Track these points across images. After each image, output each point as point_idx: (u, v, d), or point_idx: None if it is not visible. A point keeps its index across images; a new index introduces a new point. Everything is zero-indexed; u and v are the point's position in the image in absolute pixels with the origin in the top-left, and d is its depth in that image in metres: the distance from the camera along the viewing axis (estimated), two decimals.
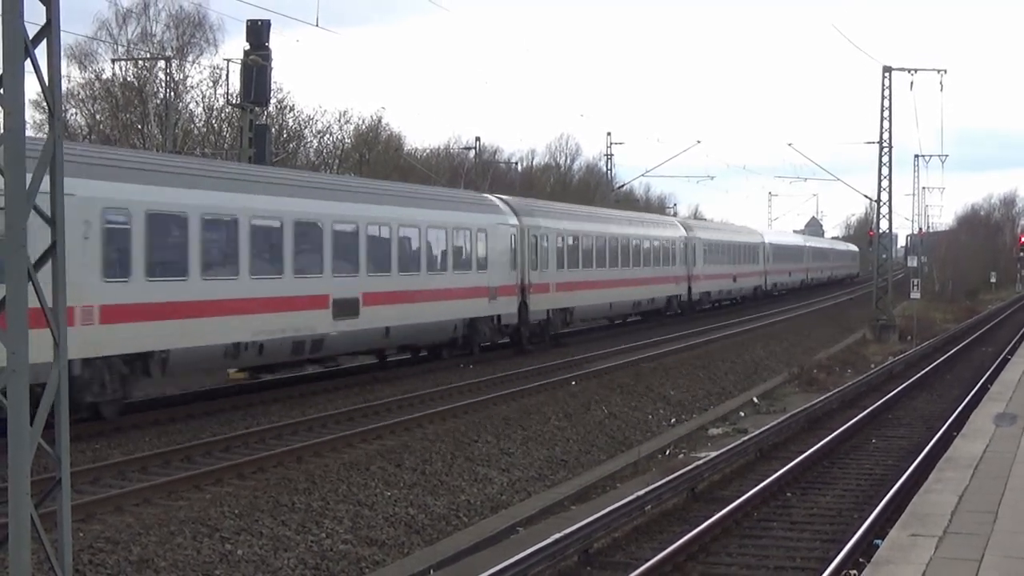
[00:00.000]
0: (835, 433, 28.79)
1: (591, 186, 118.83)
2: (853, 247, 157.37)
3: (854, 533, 18.59)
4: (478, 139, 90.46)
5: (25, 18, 9.38)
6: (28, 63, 9.39)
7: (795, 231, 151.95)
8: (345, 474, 22.10)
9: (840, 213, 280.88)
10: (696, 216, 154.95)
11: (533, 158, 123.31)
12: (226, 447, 24.26)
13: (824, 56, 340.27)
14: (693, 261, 67.76)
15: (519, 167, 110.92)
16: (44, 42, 9.61)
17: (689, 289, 66.81)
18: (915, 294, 65.73)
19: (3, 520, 10.44)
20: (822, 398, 35.47)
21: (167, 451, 23.24)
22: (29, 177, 9.26)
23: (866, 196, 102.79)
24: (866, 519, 19.47)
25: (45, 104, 9.75)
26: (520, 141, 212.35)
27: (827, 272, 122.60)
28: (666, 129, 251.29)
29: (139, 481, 20.87)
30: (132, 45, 67.16)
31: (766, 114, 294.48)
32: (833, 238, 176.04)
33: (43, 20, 9.69)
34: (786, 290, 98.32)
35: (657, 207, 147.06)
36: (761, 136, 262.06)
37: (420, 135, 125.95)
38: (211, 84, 67.79)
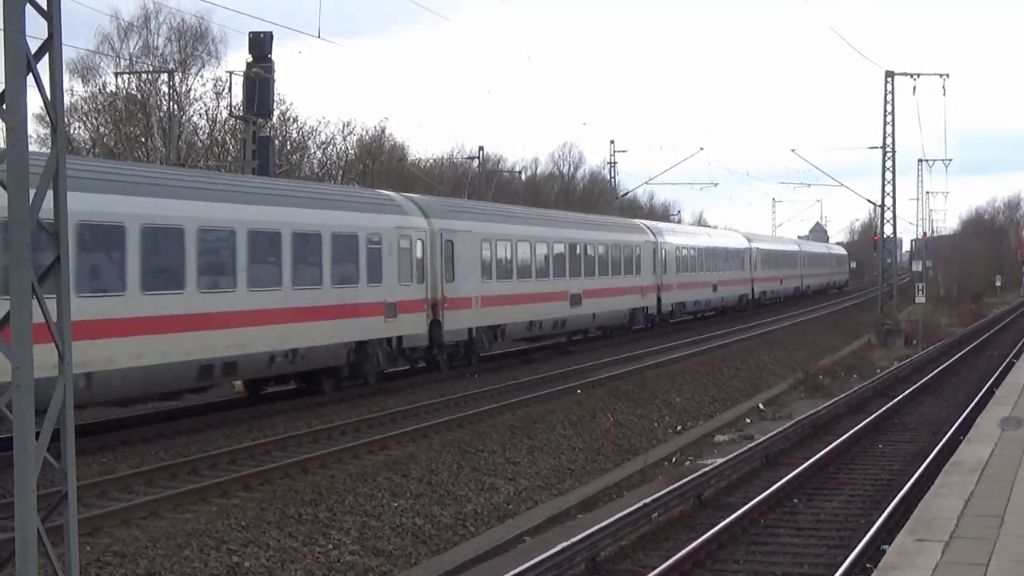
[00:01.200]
0: (841, 439, 28.78)
1: (595, 194, 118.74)
2: (839, 250, 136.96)
3: (861, 538, 18.59)
4: (481, 148, 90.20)
5: (27, 32, 9.40)
6: (30, 77, 9.41)
7: (799, 236, 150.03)
8: (351, 485, 22.11)
9: (844, 218, 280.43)
10: (701, 222, 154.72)
11: (537, 167, 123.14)
12: (232, 459, 24.26)
13: (826, 61, 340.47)
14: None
15: (523, 176, 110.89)
16: (46, 56, 9.62)
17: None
18: (920, 298, 65.77)
19: (10, 535, 10.46)
20: (828, 404, 35.45)
21: (173, 464, 23.26)
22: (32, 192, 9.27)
23: (870, 201, 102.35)
24: (873, 524, 19.48)
25: (48, 118, 9.77)
26: (523, 150, 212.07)
27: (793, 283, 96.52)
28: (669, 136, 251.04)
29: (146, 494, 20.87)
30: (134, 58, 67.23)
31: (769, 120, 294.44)
32: (837, 243, 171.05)
33: (45, 34, 9.71)
34: (712, 311, 74.32)
35: (661, 214, 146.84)
36: (764, 142, 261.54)
37: (423, 145, 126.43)
38: (214, 96, 67.87)
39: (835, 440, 28.60)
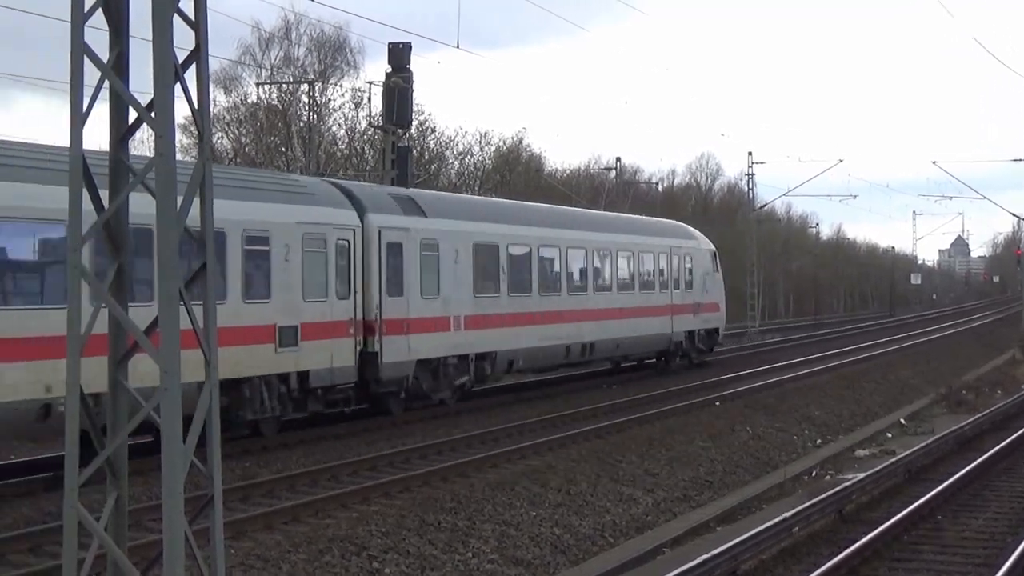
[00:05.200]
0: (986, 455, 28.21)
1: (732, 206, 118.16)
2: (698, 244, 50.34)
3: (1008, 557, 18.19)
4: (618, 159, 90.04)
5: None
6: (177, 87, 9.50)
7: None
8: (490, 494, 22.13)
9: (987, 232, 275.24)
10: (839, 235, 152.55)
11: (674, 178, 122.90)
12: (372, 466, 24.45)
13: (969, 72, 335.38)
14: None
15: (660, 187, 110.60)
16: (193, 66, 9.71)
17: None
18: None
19: (158, 536, 10.58)
20: (972, 419, 34.80)
21: (314, 470, 23.49)
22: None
23: (1013, 214, 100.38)
24: (1021, 542, 19.05)
25: (192, 128, 9.91)
26: (660, 161, 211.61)
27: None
28: (807, 148, 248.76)
29: (287, 499, 21.10)
30: (275, 69, 68.17)
31: (909, 131, 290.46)
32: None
33: (191, 45, 9.81)
34: None
35: (799, 227, 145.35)
36: (904, 154, 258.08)
37: (560, 156, 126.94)
38: (353, 106, 68.61)
39: (980, 456, 28.05)
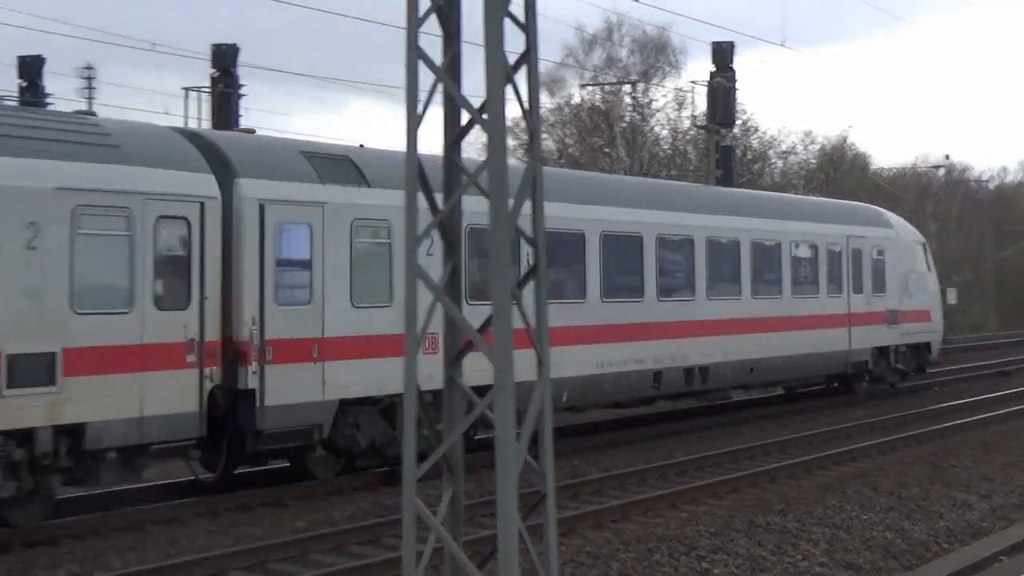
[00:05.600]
0: None
1: None
2: (895, 233, 39.51)
3: None
4: (947, 157, 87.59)
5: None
6: (508, 89, 9.63)
7: None
8: (819, 496, 21.82)
9: None
10: None
11: (1005, 176, 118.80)
12: (699, 467, 24.40)
13: None
14: None
15: (990, 185, 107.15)
16: (523, 68, 9.83)
17: None
18: None
19: (491, 532, 10.75)
20: None
21: (643, 469, 23.60)
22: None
23: None
24: None
25: (516, 130, 9.97)
26: (992, 158, 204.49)
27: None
28: None
29: (615, 498, 21.22)
30: (598, 70, 68.67)
31: None
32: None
33: (519, 48, 9.94)
34: None
35: None
36: None
37: (886, 154, 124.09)
38: (676, 107, 68.58)
39: None
